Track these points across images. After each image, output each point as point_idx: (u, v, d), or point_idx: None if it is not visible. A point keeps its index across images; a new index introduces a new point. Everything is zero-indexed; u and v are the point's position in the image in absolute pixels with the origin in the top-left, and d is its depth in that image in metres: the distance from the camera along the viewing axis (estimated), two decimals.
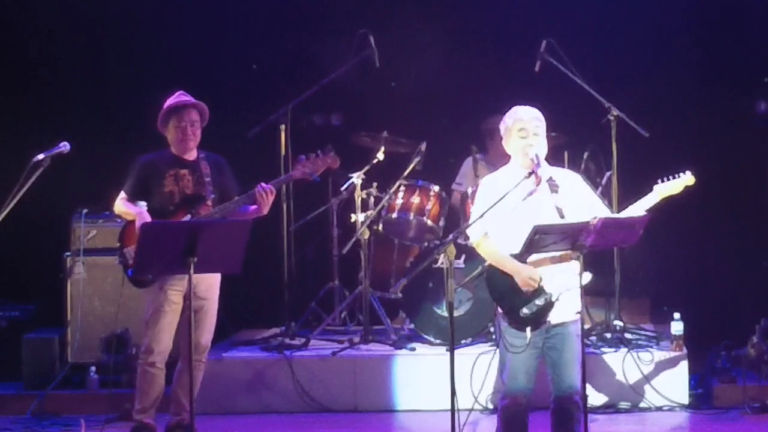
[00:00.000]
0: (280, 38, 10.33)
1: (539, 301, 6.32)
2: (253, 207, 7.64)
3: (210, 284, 7.63)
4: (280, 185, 7.79)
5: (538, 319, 6.33)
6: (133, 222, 7.65)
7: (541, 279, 6.32)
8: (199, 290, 7.54)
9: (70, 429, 8.47)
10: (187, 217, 7.59)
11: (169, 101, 7.76)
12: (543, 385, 6.52)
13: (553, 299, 6.31)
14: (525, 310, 6.32)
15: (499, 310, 6.43)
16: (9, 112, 10.12)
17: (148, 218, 7.54)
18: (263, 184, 7.61)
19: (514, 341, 6.35)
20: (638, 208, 6.44)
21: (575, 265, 6.28)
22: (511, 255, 6.33)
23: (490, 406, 8.32)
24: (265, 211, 7.64)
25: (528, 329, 6.32)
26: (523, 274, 6.31)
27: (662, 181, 6.47)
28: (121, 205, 7.76)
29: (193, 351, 7.58)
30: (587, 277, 6.33)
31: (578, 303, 6.41)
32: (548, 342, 6.40)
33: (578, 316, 6.43)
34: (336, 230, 9.83)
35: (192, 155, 7.76)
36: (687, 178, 6.47)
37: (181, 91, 7.80)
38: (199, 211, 7.63)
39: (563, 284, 6.32)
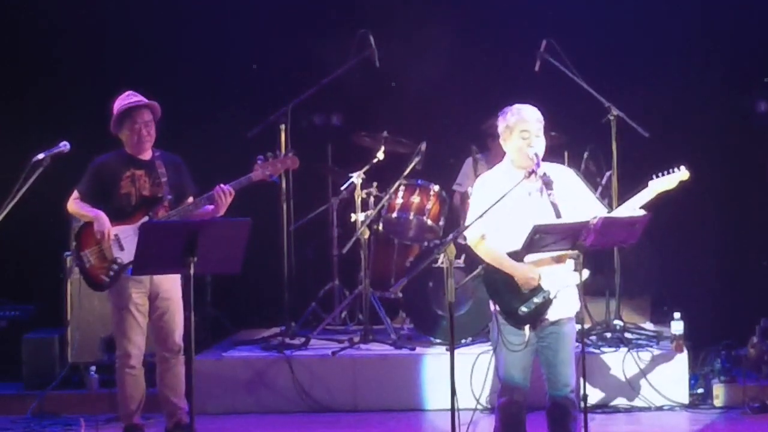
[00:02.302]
0: (280, 38, 10.33)
1: (537, 299, 6.31)
2: (210, 207, 7.60)
3: (172, 283, 7.61)
4: (239, 187, 7.72)
5: (537, 317, 6.32)
6: (90, 224, 7.58)
7: (540, 277, 6.32)
8: (162, 290, 7.58)
9: (70, 429, 8.48)
10: (145, 219, 7.55)
11: (120, 103, 7.67)
12: (540, 385, 6.52)
13: (552, 297, 6.30)
14: (524, 309, 6.32)
15: (497, 307, 6.43)
16: (9, 112, 10.12)
17: (107, 220, 7.50)
18: (222, 185, 7.55)
19: (513, 339, 6.35)
20: (633, 205, 6.42)
21: (573, 263, 6.29)
22: (510, 253, 6.32)
23: (490, 406, 8.32)
24: (222, 212, 7.54)
25: (527, 327, 6.32)
26: (522, 273, 6.31)
27: (656, 177, 6.46)
28: (74, 205, 7.69)
29: (168, 351, 7.64)
30: (585, 273, 6.33)
31: (576, 301, 6.44)
32: (543, 341, 6.40)
33: (574, 314, 6.46)
34: (336, 230, 9.84)
35: (147, 155, 7.71)
36: (681, 174, 6.45)
37: (130, 92, 7.72)
38: (157, 212, 7.59)
39: (561, 282, 6.32)
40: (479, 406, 8.33)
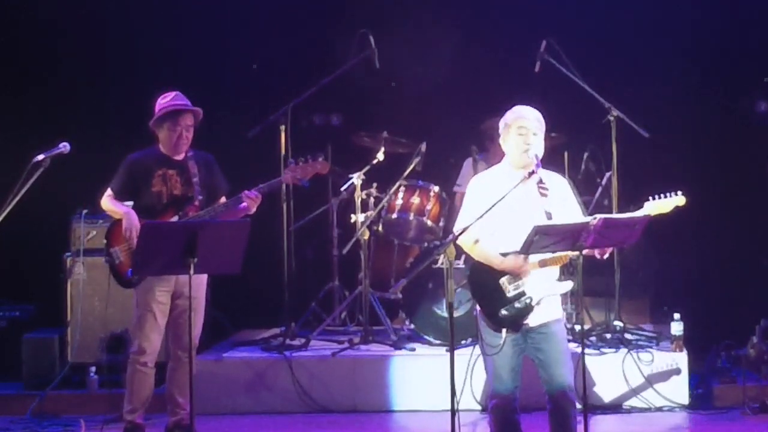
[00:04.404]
0: (280, 38, 10.33)
1: (519, 304, 6.33)
2: (243, 205, 7.66)
3: (198, 283, 7.62)
4: (269, 190, 7.77)
5: (516, 321, 6.33)
6: (119, 221, 7.66)
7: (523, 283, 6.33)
8: (187, 289, 7.56)
9: (69, 429, 8.47)
10: (175, 218, 7.60)
11: (167, 103, 7.72)
12: (539, 386, 6.51)
13: (533, 303, 6.32)
14: (504, 312, 6.33)
15: (479, 308, 6.44)
16: (9, 112, 10.12)
17: (135, 218, 7.55)
18: (247, 191, 7.64)
19: (491, 341, 6.36)
20: None
21: (556, 272, 6.33)
22: (503, 254, 6.33)
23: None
24: (253, 210, 7.66)
25: (504, 330, 6.33)
26: (513, 264, 6.30)
27: (653, 198, 6.45)
28: (108, 202, 7.77)
29: (182, 349, 7.65)
30: (568, 285, 6.38)
31: (559, 306, 6.49)
32: (532, 343, 6.41)
33: (560, 315, 6.49)
34: (336, 230, 9.83)
35: (181, 155, 7.77)
36: (678, 199, 6.44)
37: (176, 93, 7.77)
38: (188, 212, 7.64)
39: (545, 289, 6.34)
40: (478, 406, 8.35)
